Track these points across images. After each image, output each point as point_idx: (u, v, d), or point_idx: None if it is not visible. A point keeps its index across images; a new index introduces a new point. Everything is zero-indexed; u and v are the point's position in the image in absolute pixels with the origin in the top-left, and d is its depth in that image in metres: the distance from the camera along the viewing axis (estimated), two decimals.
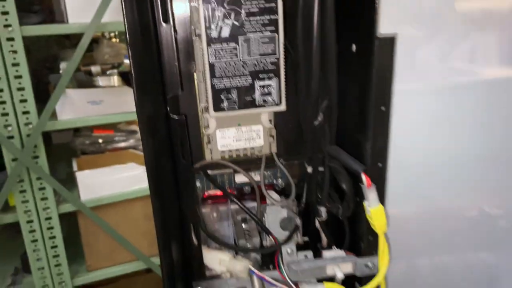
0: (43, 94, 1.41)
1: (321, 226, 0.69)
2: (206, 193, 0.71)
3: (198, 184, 0.69)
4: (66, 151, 1.66)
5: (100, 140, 1.62)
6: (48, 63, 1.70)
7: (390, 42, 0.54)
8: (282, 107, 0.56)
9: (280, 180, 0.71)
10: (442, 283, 0.86)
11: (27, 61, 1.30)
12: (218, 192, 0.72)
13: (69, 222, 1.64)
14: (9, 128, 1.33)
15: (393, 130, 0.64)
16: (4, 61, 1.27)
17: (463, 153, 0.74)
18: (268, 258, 0.68)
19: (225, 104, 0.53)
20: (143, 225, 1.60)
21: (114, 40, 1.96)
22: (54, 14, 1.42)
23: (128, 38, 0.47)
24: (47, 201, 1.44)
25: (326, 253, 0.65)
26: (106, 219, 1.54)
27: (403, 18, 0.56)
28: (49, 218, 1.46)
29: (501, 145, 0.77)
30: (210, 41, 0.50)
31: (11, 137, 1.34)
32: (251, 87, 0.54)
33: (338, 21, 0.65)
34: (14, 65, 1.28)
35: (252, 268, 0.60)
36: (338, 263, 0.63)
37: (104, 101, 1.43)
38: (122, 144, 1.65)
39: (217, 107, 0.54)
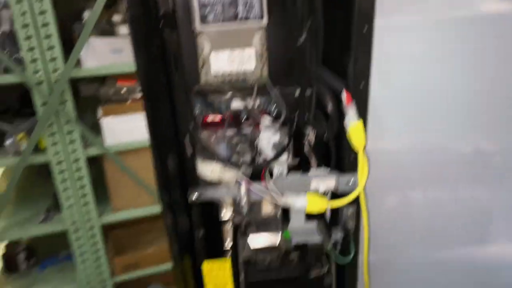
0: (70, 45, 1.49)
1: (309, 148, 0.74)
2: (205, 119, 0.77)
3: (197, 108, 0.74)
4: (93, 103, 1.76)
5: (124, 90, 1.71)
6: (73, 16, 1.77)
7: None
8: (264, 21, 0.60)
9: (274, 106, 0.75)
10: (435, 217, 0.89)
11: (54, 11, 1.37)
12: (216, 118, 0.77)
13: (96, 166, 1.76)
14: (39, 74, 1.42)
15: (388, 61, 0.67)
16: (32, 9, 1.35)
17: (457, 88, 0.76)
18: (260, 177, 0.73)
19: (211, 17, 0.58)
20: None
21: None
22: None
23: None
24: (74, 144, 1.54)
25: (312, 171, 0.70)
26: (129, 164, 1.64)
27: None
28: (77, 160, 1.56)
29: (495, 81, 0.78)
30: None
31: (40, 83, 1.43)
32: (234, 1, 0.58)
33: None
34: (41, 13, 1.36)
35: (239, 178, 0.66)
36: (322, 179, 0.67)
37: (126, 50, 1.50)
38: None
39: (203, 20, 0.58)
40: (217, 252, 0.81)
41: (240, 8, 0.58)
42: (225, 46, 0.64)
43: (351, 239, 0.73)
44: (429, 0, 0.66)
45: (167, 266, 1.80)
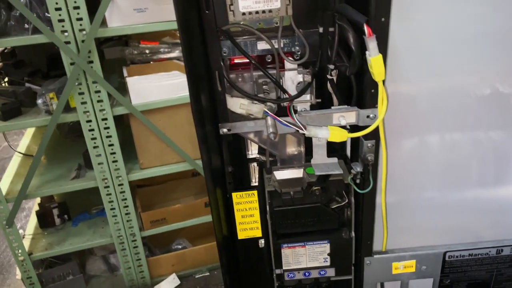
0: (94, 4, 1.53)
1: (331, 86, 0.78)
2: (232, 61, 0.81)
3: (225, 49, 0.78)
4: (118, 65, 1.81)
5: (147, 51, 1.76)
6: None
7: None
8: None
9: (298, 48, 0.79)
10: (451, 159, 0.92)
11: None
12: (244, 60, 0.81)
13: (124, 126, 1.83)
14: (66, 34, 1.47)
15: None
16: None
17: (478, 29, 0.77)
18: (284, 115, 0.78)
19: None
20: (188, 130, 1.74)
21: None
22: None
23: None
24: (102, 103, 1.60)
25: (334, 107, 0.74)
26: (155, 122, 1.71)
27: None
28: (105, 119, 1.63)
29: None
30: None
31: (68, 42, 1.49)
32: None
33: None
34: None
35: (266, 110, 0.71)
36: (343, 113, 0.71)
37: (149, 9, 1.53)
38: (167, 55, 1.77)
39: None
40: (245, 186, 0.87)
41: None
42: None
43: (370, 172, 0.77)
44: None
45: (192, 221, 1.89)
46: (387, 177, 0.81)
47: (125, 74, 1.66)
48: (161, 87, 1.68)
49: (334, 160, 0.80)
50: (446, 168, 0.92)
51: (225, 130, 0.75)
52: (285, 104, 0.76)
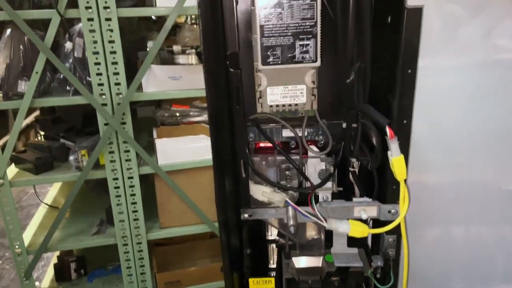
0: (132, 71, 1.63)
1: (353, 177, 0.79)
2: (257, 145, 0.84)
3: (251, 135, 0.82)
4: (148, 124, 1.89)
5: (177, 114, 1.83)
6: (137, 44, 1.93)
7: (417, 12, 0.63)
8: (317, 63, 0.67)
9: (321, 137, 0.81)
10: (475, 253, 0.90)
11: (122, 41, 1.52)
12: (268, 144, 0.84)
13: (147, 184, 1.87)
14: (103, 97, 1.56)
15: (435, 100, 0.72)
16: (103, 38, 1.50)
17: (498, 126, 0.79)
18: (306, 202, 0.79)
19: (271, 59, 0.66)
20: (209, 192, 1.74)
21: (194, 26, 2.16)
22: None
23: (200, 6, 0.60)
24: (130, 162, 1.66)
25: (355, 199, 0.75)
26: (178, 183, 1.74)
27: None
28: (131, 178, 1.68)
29: None
30: (261, 7, 0.63)
31: (105, 105, 1.57)
32: (292, 46, 0.65)
33: None
34: (110, 42, 1.51)
35: (288, 199, 0.72)
36: (364, 207, 0.72)
37: (183, 77, 1.62)
38: (196, 119, 1.84)
39: (265, 62, 0.66)
40: (262, 269, 0.87)
41: (297, 52, 0.66)
42: (280, 82, 0.72)
43: (391, 267, 0.76)
44: (471, 42, 0.70)
45: (207, 285, 1.86)
46: (408, 273, 0.79)
47: (155, 135, 1.72)
48: (188, 149, 1.73)
49: (355, 250, 0.80)
50: (470, 262, 0.90)
51: (246, 215, 0.77)
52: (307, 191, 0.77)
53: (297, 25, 0.65)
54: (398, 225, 0.73)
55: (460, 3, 0.68)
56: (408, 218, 0.80)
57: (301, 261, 0.81)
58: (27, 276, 1.67)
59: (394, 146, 0.66)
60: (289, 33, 0.65)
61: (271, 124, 0.81)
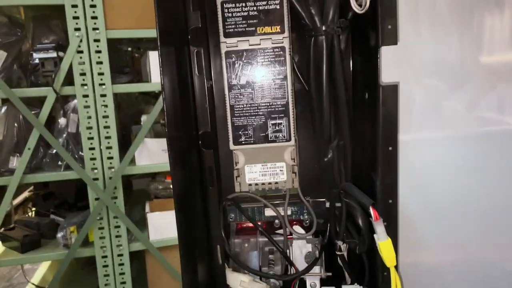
0: (127, 144, 1.63)
1: (341, 261, 0.73)
2: (239, 225, 0.79)
3: (232, 215, 0.77)
4: (143, 196, 1.85)
5: (171, 186, 1.80)
6: (135, 117, 1.95)
7: (393, 89, 0.61)
8: (291, 142, 0.64)
9: (306, 216, 0.77)
10: None
11: (117, 115, 1.53)
12: (251, 224, 0.79)
13: (140, 260, 1.79)
14: (95, 171, 1.54)
15: (421, 175, 0.68)
16: (97, 113, 1.51)
17: (492, 201, 0.74)
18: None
19: (243, 138, 0.63)
20: None
21: None
22: (141, 75, 1.67)
23: (164, 87, 0.59)
24: (120, 238, 1.60)
25: (345, 287, 0.68)
26: (170, 260, 1.66)
27: (407, 68, 0.63)
28: (121, 255, 1.61)
29: None
30: (230, 87, 0.61)
31: (96, 179, 1.55)
32: (265, 125, 0.63)
33: (355, 72, 0.73)
34: (104, 117, 1.52)
35: None
36: None
37: None
38: None
39: (236, 142, 0.64)
40: None
41: (270, 131, 0.63)
42: (258, 160, 0.69)
43: None
44: (455, 116, 0.68)
45: None
46: None
47: (147, 209, 1.67)
48: None
49: None
50: None
51: None
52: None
53: (268, 104, 0.63)
54: None
55: (439, 78, 0.66)
56: None
57: None
58: None
59: (380, 229, 0.61)
60: (260, 113, 0.63)
61: (252, 204, 0.76)
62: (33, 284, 1.86)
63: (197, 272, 0.68)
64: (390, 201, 0.63)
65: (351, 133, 0.66)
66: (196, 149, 0.67)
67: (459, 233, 0.75)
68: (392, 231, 0.64)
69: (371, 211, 0.60)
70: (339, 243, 0.70)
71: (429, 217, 0.73)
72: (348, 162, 0.66)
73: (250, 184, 0.70)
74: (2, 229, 1.63)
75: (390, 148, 0.62)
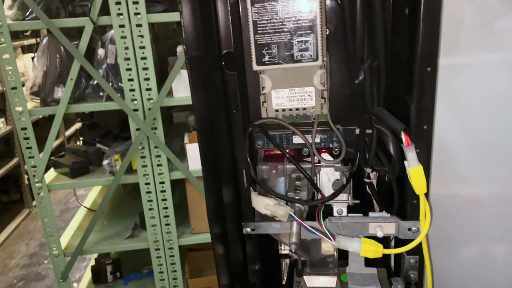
0: (165, 76, 1.63)
1: (370, 189, 0.71)
2: (267, 152, 0.78)
3: (260, 142, 0.76)
4: (184, 129, 1.88)
5: None
6: (172, 49, 1.93)
7: (437, 3, 0.54)
8: (319, 62, 0.60)
9: (336, 144, 0.74)
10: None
11: (155, 47, 1.52)
12: (279, 152, 0.78)
13: (179, 190, 1.87)
14: (135, 102, 1.57)
15: (462, 102, 0.63)
16: (134, 44, 1.51)
17: None
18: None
19: (266, 58, 0.60)
20: None
21: None
22: (176, 4, 1.62)
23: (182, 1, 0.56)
24: (161, 167, 1.66)
25: (372, 214, 0.67)
26: None
27: None
28: (162, 183, 1.68)
29: None
30: (253, 0, 0.57)
31: (136, 110, 1.58)
32: (290, 43, 0.59)
33: None
34: (141, 48, 1.51)
35: (292, 214, 0.65)
36: (380, 223, 0.64)
37: None
38: None
39: (259, 62, 0.60)
40: (274, 287, 0.80)
41: (295, 49, 0.59)
42: (286, 84, 0.65)
43: None
44: (506, 37, 0.60)
45: None
46: None
47: (186, 140, 1.70)
48: None
49: (373, 271, 0.71)
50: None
51: (248, 229, 0.71)
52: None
53: (293, 19, 0.58)
54: (420, 245, 0.64)
55: None
56: (436, 236, 0.70)
57: (314, 281, 0.73)
58: (63, 278, 1.71)
59: (411, 155, 0.57)
60: (285, 29, 0.59)
61: (280, 131, 0.74)
62: (85, 207, 2.01)
63: (222, 195, 0.69)
64: (425, 127, 0.59)
65: (387, 53, 0.60)
66: (220, 71, 0.65)
67: (499, 168, 0.70)
68: (425, 159, 0.60)
69: (403, 136, 0.57)
70: (368, 170, 0.68)
71: (468, 148, 0.69)
72: (381, 85, 0.62)
73: (277, 110, 0.68)
74: (54, 156, 1.73)
75: (429, 69, 0.56)
